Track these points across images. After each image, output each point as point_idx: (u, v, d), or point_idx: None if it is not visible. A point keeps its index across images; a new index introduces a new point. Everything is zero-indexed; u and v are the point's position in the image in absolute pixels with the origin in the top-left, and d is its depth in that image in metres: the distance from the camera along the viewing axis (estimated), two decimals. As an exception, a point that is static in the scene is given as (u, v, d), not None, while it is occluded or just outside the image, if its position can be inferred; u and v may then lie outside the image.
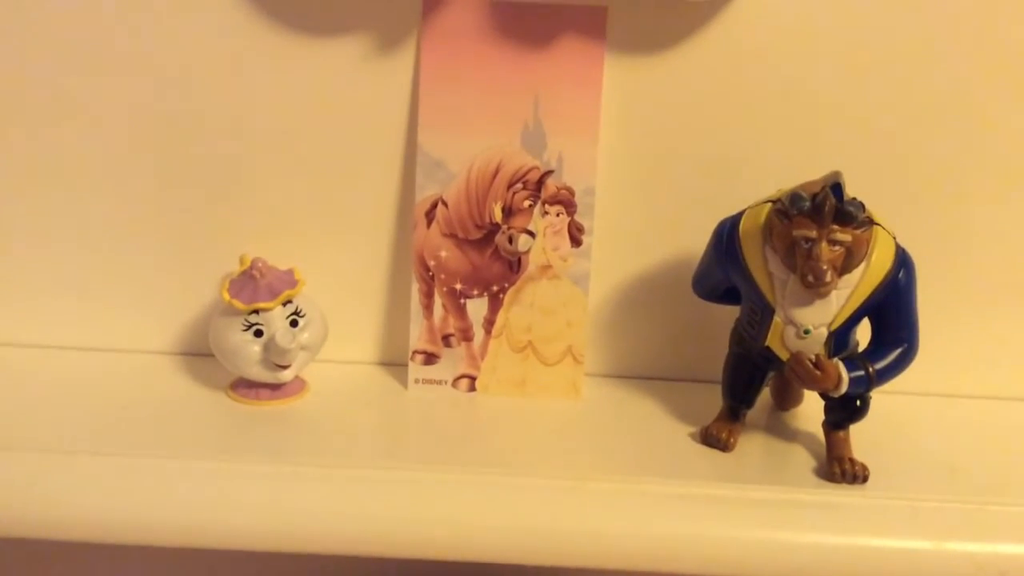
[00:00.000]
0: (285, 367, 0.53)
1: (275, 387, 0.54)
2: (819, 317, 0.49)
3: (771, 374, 0.54)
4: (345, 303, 0.59)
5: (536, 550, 0.49)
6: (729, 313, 0.54)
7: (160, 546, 0.49)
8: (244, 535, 0.48)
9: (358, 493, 0.48)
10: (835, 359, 0.49)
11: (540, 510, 0.49)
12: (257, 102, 0.56)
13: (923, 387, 0.60)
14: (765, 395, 0.57)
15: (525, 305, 0.57)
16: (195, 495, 0.48)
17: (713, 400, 0.55)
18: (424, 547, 0.49)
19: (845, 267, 0.48)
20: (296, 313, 0.53)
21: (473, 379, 0.58)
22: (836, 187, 0.47)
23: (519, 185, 0.56)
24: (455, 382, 0.58)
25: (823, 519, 0.49)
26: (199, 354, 0.60)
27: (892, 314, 0.50)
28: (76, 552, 0.66)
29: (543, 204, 0.56)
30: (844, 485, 0.50)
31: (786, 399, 0.58)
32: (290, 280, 0.53)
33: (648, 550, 0.48)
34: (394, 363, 0.60)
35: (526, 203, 0.56)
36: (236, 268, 0.55)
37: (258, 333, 0.52)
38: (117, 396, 0.56)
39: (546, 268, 0.57)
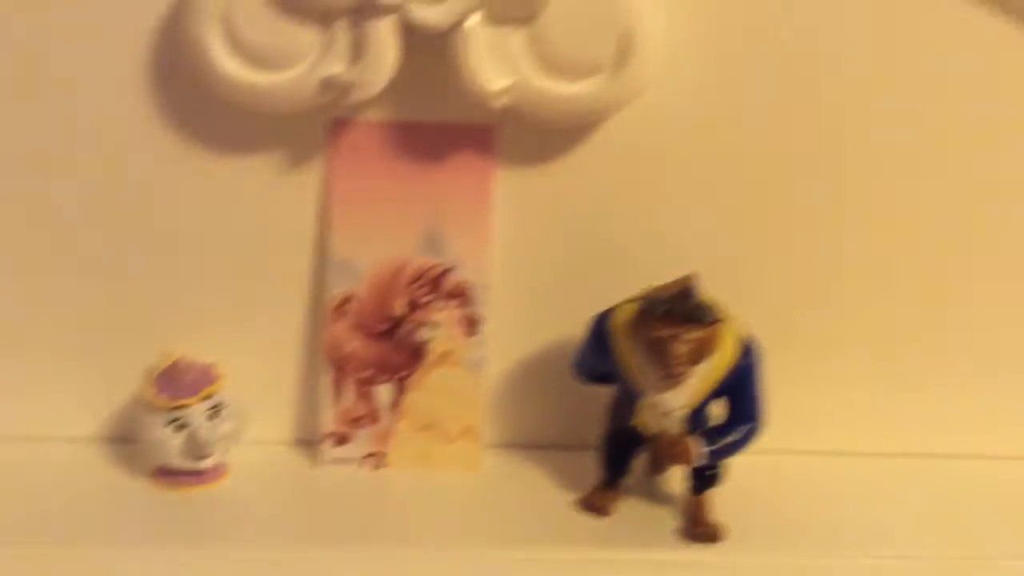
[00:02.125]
0: (203, 458, 0.58)
1: (197, 473, 0.59)
2: (677, 400, 0.57)
3: (644, 446, 0.62)
4: (264, 390, 0.64)
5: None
6: (609, 390, 0.62)
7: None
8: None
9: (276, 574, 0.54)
10: (690, 436, 0.57)
11: (440, 578, 0.56)
12: (184, 213, 0.62)
13: (783, 445, 0.68)
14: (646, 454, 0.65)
15: (428, 389, 0.64)
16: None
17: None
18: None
19: (697, 358, 0.56)
20: (217, 405, 0.59)
21: (382, 456, 0.64)
22: (688, 292, 0.56)
23: (421, 282, 0.63)
24: (365, 460, 0.64)
25: (683, 576, 0.57)
26: (120, 440, 0.65)
27: (740, 395, 0.58)
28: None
29: (443, 299, 0.63)
30: (702, 544, 0.58)
31: (658, 466, 0.65)
32: (211, 376, 0.59)
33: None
34: (309, 441, 0.66)
35: (426, 298, 0.63)
36: (160, 361, 0.60)
37: (180, 427, 0.58)
38: (33, 484, 0.60)
39: (446, 355, 0.64)
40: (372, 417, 0.64)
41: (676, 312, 0.55)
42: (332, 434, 0.64)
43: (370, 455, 0.64)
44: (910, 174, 0.64)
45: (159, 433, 0.57)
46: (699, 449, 0.57)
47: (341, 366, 0.63)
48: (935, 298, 0.67)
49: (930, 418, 0.69)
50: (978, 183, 0.65)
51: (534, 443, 0.68)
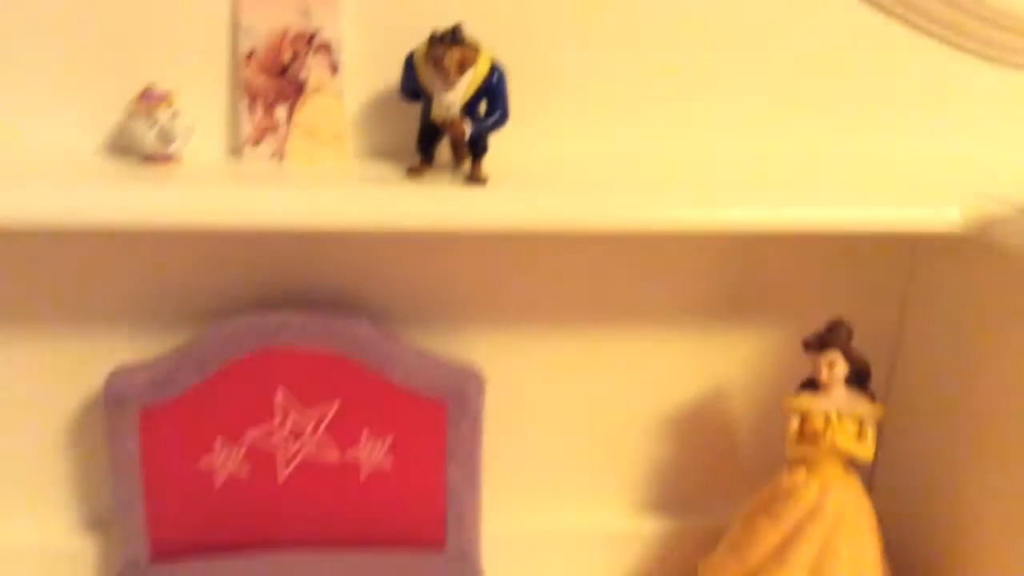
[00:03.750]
0: (170, 144, 0.96)
1: (166, 157, 0.97)
2: (453, 98, 0.95)
3: (444, 136, 1.00)
4: (205, 113, 1.02)
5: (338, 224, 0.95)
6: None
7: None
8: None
9: (214, 194, 0.93)
10: (465, 120, 0.96)
11: (333, 202, 0.94)
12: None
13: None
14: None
15: (309, 109, 1.02)
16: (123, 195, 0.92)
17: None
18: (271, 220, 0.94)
19: (461, 69, 0.94)
20: (175, 112, 0.96)
21: (283, 153, 1.02)
22: (455, 29, 0.93)
23: (300, 41, 1.00)
24: (272, 155, 1.02)
25: (463, 199, 0.96)
26: (117, 149, 1.02)
27: (492, 96, 0.97)
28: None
29: (315, 51, 1.00)
30: (476, 185, 0.98)
31: (458, 156, 1.04)
32: (170, 96, 0.96)
33: (381, 219, 0.95)
34: (237, 148, 1.04)
35: (303, 50, 1.00)
36: (140, 90, 0.97)
37: (154, 123, 0.95)
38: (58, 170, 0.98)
39: (319, 87, 1.01)
40: (274, 128, 1.01)
41: (446, 39, 0.93)
42: (250, 138, 1.01)
43: (275, 152, 1.02)
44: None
45: (142, 128, 0.95)
46: (469, 127, 0.96)
47: (253, 95, 1.00)
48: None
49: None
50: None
51: (387, 150, 1.07)
